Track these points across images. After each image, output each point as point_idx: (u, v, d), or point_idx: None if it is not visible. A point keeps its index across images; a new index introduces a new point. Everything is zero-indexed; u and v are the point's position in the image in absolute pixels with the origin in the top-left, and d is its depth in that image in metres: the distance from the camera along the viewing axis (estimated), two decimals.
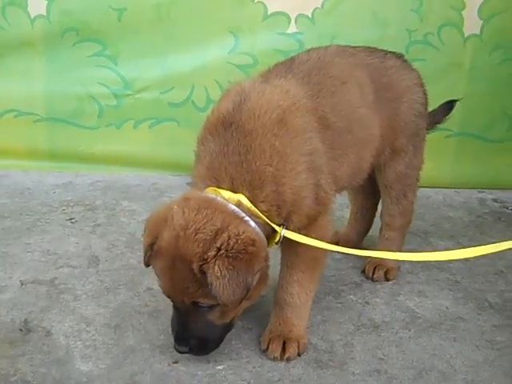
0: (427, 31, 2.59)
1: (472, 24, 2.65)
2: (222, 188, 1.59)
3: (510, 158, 2.81)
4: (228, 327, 1.65)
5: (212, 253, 1.48)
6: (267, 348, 1.73)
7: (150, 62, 2.76)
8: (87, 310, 1.87)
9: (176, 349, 1.62)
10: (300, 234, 1.67)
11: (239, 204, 1.57)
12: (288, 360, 1.71)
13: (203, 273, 1.48)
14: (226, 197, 1.57)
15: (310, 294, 1.77)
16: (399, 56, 2.07)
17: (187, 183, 2.83)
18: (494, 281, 2.08)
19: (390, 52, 2.05)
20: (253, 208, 1.57)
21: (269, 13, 2.66)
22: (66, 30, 2.72)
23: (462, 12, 2.64)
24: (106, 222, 2.45)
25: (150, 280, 2.01)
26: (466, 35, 2.66)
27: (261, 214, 1.58)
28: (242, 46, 2.70)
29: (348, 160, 1.85)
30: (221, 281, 1.48)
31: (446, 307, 1.93)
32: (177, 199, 1.62)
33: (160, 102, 2.80)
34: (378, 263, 2.09)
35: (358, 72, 1.91)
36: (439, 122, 2.23)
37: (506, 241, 1.62)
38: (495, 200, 2.76)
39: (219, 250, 1.48)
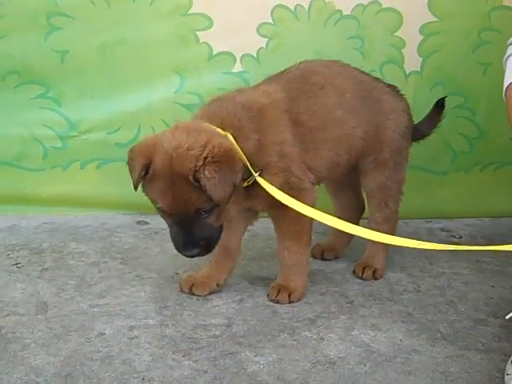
0: (370, 68, 2.64)
1: (412, 61, 2.74)
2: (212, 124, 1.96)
3: (454, 188, 2.89)
4: (221, 228, 2.01)
5: (201, 162, 1.82)
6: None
7: (95, 103, 2.74)
8: (36, 359, 1.80)
9: (186, 255, 1.95)
10: (282, 216, 2.08)
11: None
12: (278, 302, 2.11)
13: (198, 181, 1.82)
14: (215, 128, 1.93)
15: (301, 255, 2.14)
16: (392, 85, 2.34)
17: (137, 222, 2.81)
18: (445, 311, 2.10)
19: (383, 81, 2.36)
20: (235, 145, 1.93)
21: (214, 53, 2.69)
22: (8, 72, 2.70)
23: (403, 50, 2.73)
24: (54, 265, 2.39)
25: (102, 324, 1.97)
26: (407, 72, 2.75)
27: (241, 153, 1.93)
28: (187, 85, 2.71)
29: (322, 153, 2.16)
30: (212, 181, 1.81)
31: (400, 340, 1.94)
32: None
33: (107, 142, 2.78)
34: (366, 264, 2.32)
35: (340, 80, 2.24)
36: (439, 121, 2.45)
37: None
38: (443, 229, 2.82)
39: (206, 158, 1.83)
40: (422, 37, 2.71)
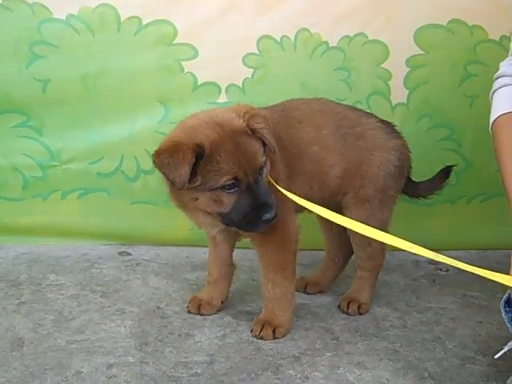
0: (356, 99, 2.64)
1: (399, 93, 2.73)
2: None
3: (441, 220, 2.86)
4: None
5: (246, 117, 1.88)
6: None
7: (77, 133, 2.70)
8: None
9: (270, 217, 1.87)
10: (265, 243, 2.05)
11: None
12: (262, 339, 2.05)
13: (253, 132, 1.86)
14: None
15: (286, 288, 2.08)
16: (387, 122, 2.30)
17: (119, 252, 2.75)
18: (432, 348, 2.06)
19: (377, 117, 2.30)
20: None
21: (199, 83, 2.66)
22: None
23: (389, 82, 2.72)
24: (32, 298, 2.32)
25: (79, 362, 1.91)
26: (393, 104, 2.73)
27: None
28: (172, 115, 2.67)
29: (298, 183, 2.12)
30: (264, 129, 1.87)
31: (387, 379, 1.89)
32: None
33: (88, 172, 2.73)
34: (351, 298, 2.27)
35: (319, 116, 2.20)
36: (438, 189, 2.41)
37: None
38: (429, 262, 2.78)
39: (245, 114, 1.88)
40: (409, 69, 2.70)
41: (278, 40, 2.66)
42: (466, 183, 2.83)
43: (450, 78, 2.71)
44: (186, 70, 2.66)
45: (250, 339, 2.09)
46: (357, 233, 2.14)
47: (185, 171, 1.79)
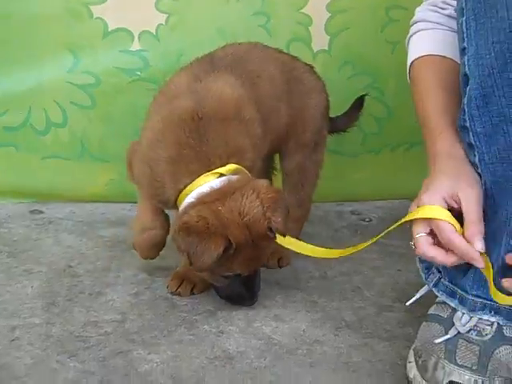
0: (276, 46, 2.52)
1: (320, 40, 2.64)
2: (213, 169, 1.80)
3: (364, 170, 2.82)
4: None
5: (268, 214, 1.76)
6: None
7: None
8: None
9: (250, 305, 1.92)
10: None
11: (237, 170, 1.83)
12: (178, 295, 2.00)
13: (272, 231, 1.78)
14: (226, 172, 1.80)
15: None
16: (309, 64, 2.28)
17: (30, 211, 2.61)
18: (351, 298, 2.03)
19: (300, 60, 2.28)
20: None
21: (109, 29, 2.50)
22: None
23: (309, 28, 2.62)
24: None
25: None
26: (314, 51, 2.65)
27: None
28: (82, 64, 2.51)
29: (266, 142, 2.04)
30: (281, 223, 1.78)
31: (303, 330, 1.85)
32: (196, 206, 1.77)
33: None
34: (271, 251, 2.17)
35: (268, 66, 2.12)
36: (354, 120, 2.45)
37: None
38: (353, 212, 2.76)
39: (268, 208, 1.77)
40: (329, 14, 2.61)
41: None
42: (389, 132, 2.79)
43: (372, 23, 2.63)
44: (95, 15, 2.48)
45: (165, 296, 2.01)
46: (293, 173, 2.24)
47: (210, 261, 1.72)
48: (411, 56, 1.91)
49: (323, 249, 1.91)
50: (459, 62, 1.59)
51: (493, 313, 1.61)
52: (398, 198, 2.85)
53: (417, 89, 1.84)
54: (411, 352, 1.66)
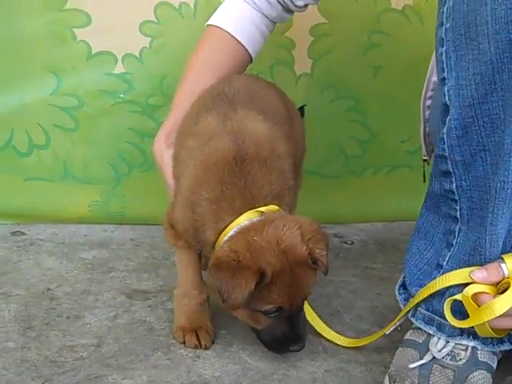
0: (259, 70, 2.55)
1: (303, 63, 2.66)
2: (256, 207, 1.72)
3: (346, 192, 2.83)
4: None
5: (311, 244, 1.68)
6: None
7: None
8: None
9: (297, 349, 1.76)
10: None
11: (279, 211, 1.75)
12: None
13: (314, 262, 1.70)
14: (267, 211, 1.72)
15: None
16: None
17: (12, 232, 2.61)
18: (330, 321, 2.02)
19: None
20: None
21: (93, 52, 2.52)
22: None
23: (292, 51, 2.65)
24: None
25: None
26: (297, 74, 2.67)
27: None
28: (65, 86, 2.52)
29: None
30: (325, 257, 1.71)
31: (281, 354, 1.85)
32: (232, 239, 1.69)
33: None
34: None
35: (272, 95, 2.08)
36: None
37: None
38: (336, 235, 2.76)
39: (309, 239, 1.69)
40: (312, 38, 2.64)
41: (177, 7, 2.54)
42: (371, 155, 2.81)
43: (354, 47, 2.65)
44: (78, 38, 2.50)
45: (143, 319, 2.01)
46: None
47: (242, 297, 1.62)
48: (213, 17, 2.16)
49: (344, 337, 1.89)
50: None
51: (471, 337, 1.62)
52: (381, 220, 2.86)
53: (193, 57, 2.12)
54: (386, 377, 1.66)
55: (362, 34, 2.66)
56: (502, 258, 1.50)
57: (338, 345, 1.88)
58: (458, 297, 1.54)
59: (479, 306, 1.49)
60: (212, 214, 1.73)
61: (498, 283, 1.50)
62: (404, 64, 2.64)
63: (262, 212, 1.72)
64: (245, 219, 1.70)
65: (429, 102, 2.03)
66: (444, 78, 1.55)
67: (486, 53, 1.43)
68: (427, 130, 2.06)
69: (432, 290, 1.62)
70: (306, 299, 1.79)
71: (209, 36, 2.14)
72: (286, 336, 1.75)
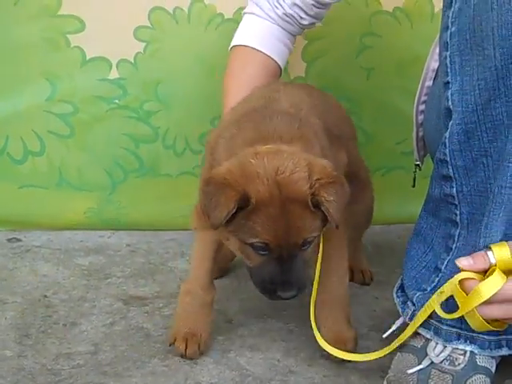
0: None
1: (297, 66, 2.65)
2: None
3: None
4: None
5: (317, 185, 1.55)
6: None
7: None
8: None
9: (285, 297, 1.63)
10: None
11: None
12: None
13: (316, 205, 1.56)
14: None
15: None
16: None
17: (8, 239, 2.60)
18: None
19: None
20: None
21: (87, 58, 2.51)
22: None
23: None
24: None
25: None
26: (291, 77, 2.66)
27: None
28: (59, 93, 2.51)
29: None
30: (332, 204, 1.56)
31: (278, 360, 1.84)
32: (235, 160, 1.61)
33: None
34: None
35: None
36: None
37: None
38: None
39: (319, 179, 1.56)
40: (306, 41, 2.63)
41: (171, 12, 2.53)
42: (367, 157, 2.77)
43: (347, 50, 2.65)
44: (72, 44, 2.49)
45: (140, 325, 2.00)
46: None
47: (221, 216, 1.53)
48: (234, 39, 2.21)
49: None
50: None
51: (468, 342, 1.61)
52: (377, 223, 2.85)
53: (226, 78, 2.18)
54: (385, 382, 1.66)
55: (355, 37, 2.66)
56: (490, 247, 1.48)
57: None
58: (446, 286, 1.51)
59: (467, 295, 1.48)
60: (226, 150, 1.69)
61: (486, 272, 1.48)
62: (394, 65, 2.65)
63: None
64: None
65: (422, 107, 2.02)
66: (448, 82, 1.54)
67: (490, 58, 1.43)
68: (420, 134, 2.06)
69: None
70: (303, 246, 1.62)
71: (234, 55, 2.19)
72: (273, 279, 1.63)
